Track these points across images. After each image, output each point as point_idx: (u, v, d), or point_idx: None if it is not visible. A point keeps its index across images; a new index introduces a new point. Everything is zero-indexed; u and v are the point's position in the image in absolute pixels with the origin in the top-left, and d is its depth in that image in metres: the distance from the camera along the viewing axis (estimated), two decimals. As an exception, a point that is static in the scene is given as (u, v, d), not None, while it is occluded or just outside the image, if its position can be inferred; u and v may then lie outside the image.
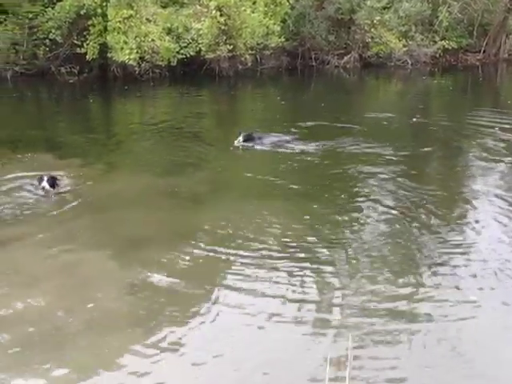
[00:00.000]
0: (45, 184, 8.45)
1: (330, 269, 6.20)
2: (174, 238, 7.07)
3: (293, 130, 13.38)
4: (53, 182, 8.56)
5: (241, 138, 10.81)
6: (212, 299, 5.60)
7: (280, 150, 11.30)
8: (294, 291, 5.75)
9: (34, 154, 11.11)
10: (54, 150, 11.68)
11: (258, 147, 11.19)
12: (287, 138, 12.17)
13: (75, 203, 8.24)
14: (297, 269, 6.21)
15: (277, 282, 5.92)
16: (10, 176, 9.39)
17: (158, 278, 5.95)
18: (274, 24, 24.92)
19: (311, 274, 6.09)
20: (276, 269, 6.21)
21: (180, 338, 4.96)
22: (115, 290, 5.74)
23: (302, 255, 6.54)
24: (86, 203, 8.28)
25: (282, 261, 6.40)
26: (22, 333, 4.94)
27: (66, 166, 10.03)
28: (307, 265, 6.31)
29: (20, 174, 9.45)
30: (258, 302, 5.54)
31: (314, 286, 5.87)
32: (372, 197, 8.52)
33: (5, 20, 23.45)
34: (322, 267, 6.26)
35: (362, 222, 7.56)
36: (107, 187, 9.06)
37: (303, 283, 5.91)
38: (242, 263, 6.32)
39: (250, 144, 11.08)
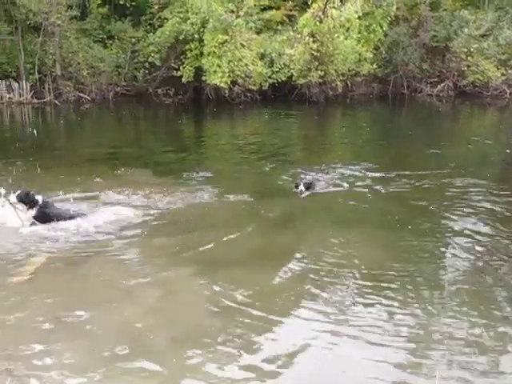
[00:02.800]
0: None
1: (414, 304, 6.01)
2: (262, 260, 7.10)
3: (374, 157, 13.26)
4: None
5: (302, 188, 9.89)
6: (296, 324, 5.58)
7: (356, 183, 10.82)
8: (378, 319, 5.63)
9: (129, 170, 11.68)
10: (148, 167, 12.21)
11: (323, 190, 10.25)
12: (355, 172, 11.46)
13: (168, 221, 8.53)
14: (380, 297, 6.09)
15: (361, 310, 5.82)
16: (105, 192, 9.87)
17: (245, 299, 5.99)
18: (367, 51, 24.91)
19: (394, 303, 5.95)
20: (361, 295, 6.11)
21: (262, 359, 4.95)
22: (201, 308, 5.83)
23: (385, 285, 6.38)
24: (178, 222, 8.54)
25: (368, 289, 6.27)
26: (108, 344, 5.12)
27: (160, 183, 10.39)
28: (390, 294, 6.17)
29: (118, 190, 9.92)
30: (342, 330, 5.46)
31: (399, 315, 5.72)
32: (463, 232, 8.13)
33: (111, 45, 24.98)
34: (405, 298, 6.10)
35: (448, 256, 7.26)
36: (198, 207, 9.30)
37: (387, 312, 5.78)
38: (328, 288, 6.26)
39: (314, 190, 10.06)
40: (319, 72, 23.64)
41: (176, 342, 5.17)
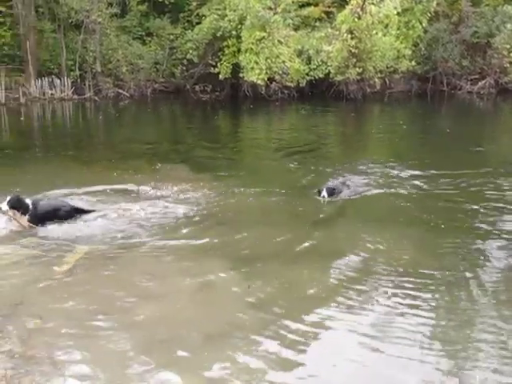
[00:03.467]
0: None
1: (450, 305, 5.91)
2: (296, 256, 7.09)
3: (410, 155, 13.09)
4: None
5: (325, 194, 9.27)
6: (331, 321, 5.56)
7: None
8: (414, 317, 5.57)
9: (167, 165, 11.84)
10: (186, 163, 12.33)
11: (348, 196, 9.67)
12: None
13: (204, 216, 8.61)
14: (418, 299, 5.99)
15: (396, 309, 5.76)
16: (142, 186, 10.02)
17: (281, 295, 6.03)
18: (406, 47, 24.59)
19: (430, 303, 5.88)
20: (396, 295, 6.03)
21: (297, 356, 4.95)
22: (237, 303, 5.88)
23: (421, 285, 6.27)
24: (214, 217, 8.62)
25: (404, 289, 6.19)
26: (145, 336, 5.18)
27: (198, 179, 10.48)
28: (427, 294, 6.08)
29: (155, 185, 10.06)
30: (377, 328, 5.40)
31: (435, 316, 5.65)
32: (501, 233, 7.94)
33: (149, 42, 25.31)
34: (441, 299, 6.00)
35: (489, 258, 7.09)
36: (236, 203, 9.33)
37: (425, 314, 5.69)
38: (362, 286, 6.22)
39: (337, 197, 9.45)
40: (357, 69, 23.46)
41: (211, 337, 5.21)
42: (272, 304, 5.85)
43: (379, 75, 24.52)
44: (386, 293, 6.09)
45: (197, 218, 8.50)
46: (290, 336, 5.23)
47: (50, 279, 6.31)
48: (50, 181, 10.45)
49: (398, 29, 24.73)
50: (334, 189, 9.49)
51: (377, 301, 5.93)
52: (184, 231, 7.96)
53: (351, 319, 5.57)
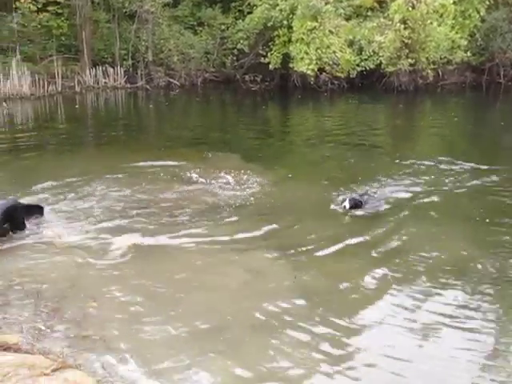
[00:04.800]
0: None
1: (501, 301, 5.77)
2: (344, 249, 7.05)
3: (462, 149, 12.77)
4: None
5: (347, 204, 8.36)
6: (381, 314, 5.50)
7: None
8: (469, 317, 5.44)
9: (216, 154, 11.97)
10: (235, 152, 12.42)
11: (374, 210, 8.59)
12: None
13: (253, 206, 8.64)
14: (469, 295, 5.87)
15: (447, 305, 5.64)
16: (192, 175, 10.19)
17: (328, 287, 6.05)
18: (461, 38, 23.94)
19: (484, 298, 5.75)
20: (446, 290, 5.93)
21: (343, 346, 4.95)
22: (284, 295, 5.89)
23: (475, 280, 6.17)
24: (262, 207, 8.66)
25: (455, 286, 6.07)
26: (191, 324, 5.23)
27: (247, 168, 10.55)
28: (481, 290, 5.94)
29: (204, 173, 10.21)
30: (432, 325, 5.32)
31: (486, 313, 5.53)
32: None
33: (200, 31, 25.52)
34: (494, 296, 5.86)
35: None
36: (285, 193, 9.34)
37: (476, 309, 5.59)
38: (412, 280, 6.14)
39: (360, 211, 8.42)
40: (409, 60, 23.01)
41: (256, 327, 5.26)
42: (319, 295, 5.86)
43: (432, 66, 23.97)
44: (438, 290, 5.98)
45: (245, 208, 8.57)
46: (336, 328, 5.22)
47: (103, 264, 6.50)
48: (102, 166, 10.80)
49: (454, 18, 24.07)
50: (359, 201, 8.51)
51: (429, 298, 5.83)
52: (232, 220, 8.04)
53: (401, 315, 5.48)
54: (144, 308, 5.54)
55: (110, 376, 4.36)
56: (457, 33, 23.96)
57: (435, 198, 9.16)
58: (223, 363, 4.69)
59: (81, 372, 4.15)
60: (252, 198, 8.99)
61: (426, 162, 11.37)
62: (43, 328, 5.00)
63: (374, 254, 6.90)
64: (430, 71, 23.88)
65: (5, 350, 4.29)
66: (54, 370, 4.00)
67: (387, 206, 8.68)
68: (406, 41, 22.71)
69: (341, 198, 8.76)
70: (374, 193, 9.21)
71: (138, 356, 4.69)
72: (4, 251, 6.81)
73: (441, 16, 23.67)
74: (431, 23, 23.08)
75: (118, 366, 4.55)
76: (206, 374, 4.54)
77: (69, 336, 4.94)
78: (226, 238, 7.34)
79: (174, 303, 5.67)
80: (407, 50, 22.98)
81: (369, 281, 6.20)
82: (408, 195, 9.31)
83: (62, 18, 23.32)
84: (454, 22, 24.03)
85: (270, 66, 24.30)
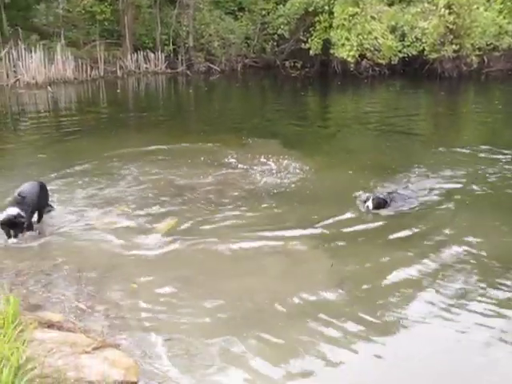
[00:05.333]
0: None
1: None
2: (386, 239, 6.93)
3: (504, 139, 12.45)
4: None
5: (370, 204, 7.76)
6: (420, 304, 5.44)
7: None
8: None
9: (256, 140, 12.02)
10: (274, 138, 12.41)
11: (399, 209, 7.97)
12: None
13: (293, 193, 8.62)
14: None
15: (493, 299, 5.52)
16: (232, 160, 10.29)
17: (364, 276, 6.02)
18: (509, 23, 23.19)
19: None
20: (490, 283, 5.78)
21: (380, 336, 4.91)
22: (322, 283, 5.86)
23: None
24: (302, 194, 8.60)
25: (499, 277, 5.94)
26: (229, 310, 5.29)
27: (286, 154, 10.58)
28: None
29: (244, 158, 10.28)
30: (476, 320, 5.22)
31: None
32: None
33: (241, 16, 25.48)
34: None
35: None
36: (325, 180, 9.30)
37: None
38: (453, 272, 5.99)
39: (385, 211, 7.83)
40: (453, 46, 22.46)
41: (292, 314, 5.28)
42: (356, 285, 5.82)
43: (477, 53, 23.34)
44: (485, 285, 5.79)
45: (284, 195, 8.60)
46: (372, 318, 5.19)
47: (143, 248, 6.64)
48: (141, 150, 11.01)
49: (502, 3, 23.36)
50: (384, 200, 7.90)
51: (474, 292, 5.68)
52: (270, 207, 8.08)
53: (445, 309, 5.36)
54: (182, 292, 5.64)
55: (147, 357, 4.48)
56: (504, 18, 23.26)
57: (477, 189, 8.95)
58: (258, 348, 4.75)
59: (119, 351, 4.28)
60: (292, 185, 9.02)
61: (467, 151, 11.16)
62: (84, 308, 5.17)
63: (420, 246, 6.78)
64: (474, 58, 23.28)
65: (49, 327, 4.46)
66: (95, 349, 4.13)
67: (425, 199, 8.35)
68: (451, 26, 22.17)
69: (364, 196, 8.12)
70: (406, 187, 8.76)
71: (174, 338, 4.79)
72: (48, 233, 7.03)
73: (488, 0, 22.99)
74: (477, 8, 22.47)
75: (155, 347, 4.66)
76: (240, 358, 4.61)
77: (109, 316, 5.09)
78: (264, 225, 7.39)
79: (212, 288, 5.74)
80: (451, 36, 22.43)
81: (411, 273, 6.07)
82: (450, 186, 9.05)
83: (106, 4, 23.62)
84: (501, 6, 23.34)
85: (311, 52, 24.10)
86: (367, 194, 8.07)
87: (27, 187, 7.05)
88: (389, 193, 8.23)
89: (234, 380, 4.36)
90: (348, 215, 7.75)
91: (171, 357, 4.54)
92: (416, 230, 7.24)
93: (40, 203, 7.20)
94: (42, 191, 7.31)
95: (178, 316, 5.18)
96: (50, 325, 4.51)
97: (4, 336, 3.88)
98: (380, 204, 7.82)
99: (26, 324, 4.21)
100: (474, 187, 9.01)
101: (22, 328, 4.09)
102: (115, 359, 4.06)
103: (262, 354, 4.66)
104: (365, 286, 5.81)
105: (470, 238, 6.94)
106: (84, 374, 3.78)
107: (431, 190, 8.81)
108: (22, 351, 3.78)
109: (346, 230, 7.25)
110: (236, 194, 8.61)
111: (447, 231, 7.21)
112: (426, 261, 6.35)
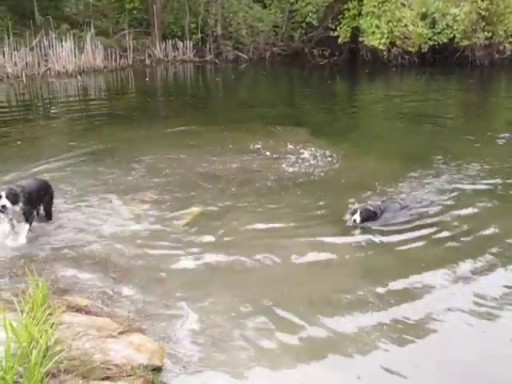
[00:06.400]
0: None
1: None
2: (414, 229, 6.82)
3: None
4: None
5: (357, 218, 6.89)
6: (445, 294, 5.38)
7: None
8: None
9: (284, 127, 12.02)
10: (302, 126, 12.36)
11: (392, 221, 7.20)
12: None
13: (320, 181, 8.65)
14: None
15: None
16: (259, 147, 10.33)
17: (393, 268, 5.94)
18: (544, 9, 22.58)
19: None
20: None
21: (407, 329, 4.82)
22: (345, 271, 5.91)
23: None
24: (329, 182, 8.64)
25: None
26: (254, 295, 5.33)
27: (315, 142, 10.59)
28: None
29: (271, 146, 10.30)
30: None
31: None
32: None
33: (269, 5, 25.34)
34: None
35: None
36: (353, 168, 9.29)
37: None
38: (479, 262, 5.94)
39: (372, 224, 7.02)
40: (486, 33, 22.00)
41: (315, 303, 5.29)
42: (381, 276, 5.79)
43: (510, 40, 22.82)
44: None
45: (311, 183, 8.61)
46: (399, 308, 5.15)
47: (169, 234, 6.73)
48: (168, 137, 11.13)
49: (537, -12, 22.76)
50: (375, 212, 7.07)
51: (497, 285, 5.57)
52: (297, 195, 8.11)
53: (472, 302, 5.27)
54: (208, 279, 5.71)
55: (172, 342, 4.56)
56: (539, 4, 22.66)
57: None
58: (279, 334, 4.78)
59: (145, 336, 4.35)
60: (319, 173, 9.06)
61: (496, 141, 10.99)
62: (111, 293, 5.26)
63: (451, 236, 6.66)
64: (507, 45, 22.76)
65: (76, 311, 4.56)
66: (121, 333, 4.22)
67: (425, 209, 7.57)
68: (483, 13, 21.70)
69: (353, 208, 7.27)
70: (411, 191, 8.09)
71: (200, 324, 4.85)
72: (74, 219, 7.16)
73: (522, -14, 22.42)
74: (511, -6, 21.93)
75: (181, 332, 4.73)
76: (266, 347, 4.65)
77: (135, 301, 5.17)
78: (290, 213, 7.41)
79: (238, 275, 5.81)
80: (484, 23, 21.97)
81: (441, 263, 5.98)
82: (465, 186, 8.52)
83: (135, -7, 23.73)
84: (537, -9, 22.71)
85: (339, 40, 23.88)
86: (355, 206, 7.24)
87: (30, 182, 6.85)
88: (382, 201, 7.58)
89: (259, 368, 4.38)
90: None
91: (196, 342, 4.60)
92: (447, 225, 7.09)
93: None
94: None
95: (203, 302, 5.25)
96: (78, 309, 4.61)
97: (33, 319, 3.97)
98: (369, 217, 7.00)
99: (55, 308, 4.31)
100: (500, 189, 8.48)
101: (50, 311, 4.19)
102: (140, 343, 4.14)
103: (281, 339, 4.69)
104: (389, 277, 5.72)
105: (498, 227, 6.76)
106: (110, 358, 3.86)
107: (442, 192, 8.20)
108: (50, 334, 3.87)
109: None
110: (262, 182, 8.65)
111: (482, 230, 6.89)
112: (457, 249, 6.30)
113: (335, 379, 4.35)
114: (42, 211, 6.81)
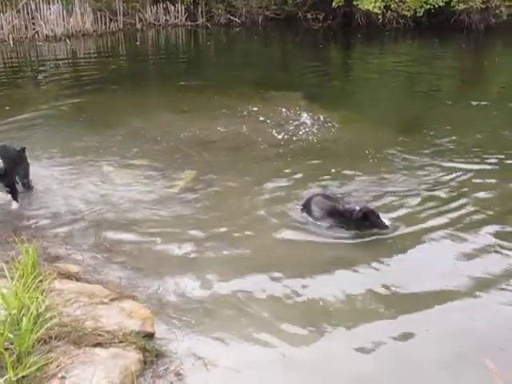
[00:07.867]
0: None
1: None
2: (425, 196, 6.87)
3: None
4: None
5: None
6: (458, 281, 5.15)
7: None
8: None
9: (276, 93, 11.86)
10: (296, 91, 12.15)
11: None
12: None
13: (317, 148, 8.54)
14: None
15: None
16: (251, 111, 10.23)
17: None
18: (544, -28, 22.17)
19: None
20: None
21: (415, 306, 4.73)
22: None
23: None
24: (326, 150, 8.52)
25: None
26: (245, 267, 5.30)
27: (308, 107, 10.52)
28: None
29: (264, 112, 10.20)
30: None
31: None
32: None
33: (262, -35, 24.75)
34: None
35: None
36: (347, 135, 9.14)
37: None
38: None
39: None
40: (482, -4, 21.63)
41: (308, 271, 5.30)
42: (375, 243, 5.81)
43: (507, 4, 22.47)
44: None
45: (305, 149, 8.55)
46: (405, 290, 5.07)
47: (163, 200, 6.70)
48: (160, 104, 10.97)
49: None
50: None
51: None
52: (290, 161, 8.05)
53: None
54: (201, 245, 5.70)
55: (165, 308, 4.55)
56: (538, -34, 22.24)
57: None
58: (272, 302, 4.80)
59: (136, 302, 4.34)
60: (313, 139, 8.99)
61: (488, 107, 10.91)
62: (102, 259, 5.24)
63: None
64: (503, 9, 22.42)
65: (67, 278, 4.53)
66: (112, 300, 4.20)
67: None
68: (480, -25, 21.31)
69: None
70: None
71: (192, 292, 4.86)
72: (67, 185, 7.08)
73: None
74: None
75: (173, 298, 4.73)
76: (254, 310, 4.66)
77: (126, 268, 5.16)
78: (275, 178, 7.40)
79: (231, 241, 5.78)
80: (481, -14, 21.59)
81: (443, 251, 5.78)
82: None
83: (124, -47, 23.09)
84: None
85: (333, 4, 23.40)
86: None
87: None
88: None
89: (251, 335, 4.38)
90: (370, 172, 7.60)
91: (188, 309, 4.60)
92: (441, 200, 7.14)
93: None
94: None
95: (196, 268, 5.26)
96: (69, 276, 4.58)
97: (24, 285, 3.94)
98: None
99: (45, 274, 4.28)
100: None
101: (41, 278, 4.16)
102: (132, 310, 4.13)
103: (281, 313, 4.68)
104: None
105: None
106: (101, 324, 3.85)
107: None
108: (41, 300, 3.84)
109: (368, 187, 7.12)
110: (256, 146, 8.62)
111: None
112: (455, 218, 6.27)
113: (331, 347, 4.33)
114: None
